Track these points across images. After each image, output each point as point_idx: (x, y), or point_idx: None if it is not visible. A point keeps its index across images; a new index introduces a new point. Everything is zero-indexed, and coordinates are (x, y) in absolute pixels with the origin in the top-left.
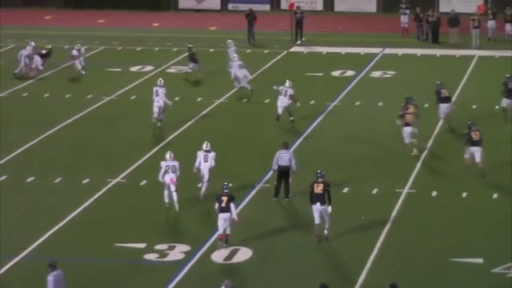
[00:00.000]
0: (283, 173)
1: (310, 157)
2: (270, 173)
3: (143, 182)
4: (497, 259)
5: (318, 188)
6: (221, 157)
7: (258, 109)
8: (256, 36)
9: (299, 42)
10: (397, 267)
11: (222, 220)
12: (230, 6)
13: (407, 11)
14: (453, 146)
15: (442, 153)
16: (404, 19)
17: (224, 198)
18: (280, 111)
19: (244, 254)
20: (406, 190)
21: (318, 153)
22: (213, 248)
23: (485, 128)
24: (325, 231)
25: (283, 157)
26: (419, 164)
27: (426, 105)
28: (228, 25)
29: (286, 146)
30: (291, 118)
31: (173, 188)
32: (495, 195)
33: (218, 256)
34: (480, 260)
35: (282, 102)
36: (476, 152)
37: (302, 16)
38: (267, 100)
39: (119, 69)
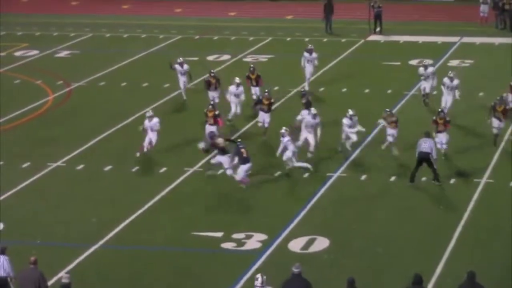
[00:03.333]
0: (422, 159)
1: (386, 147)
2: (347, 163)
3: (221, 171)
4: None
5: None
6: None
7: (334, 98)
8: (333, 25)
9: (378, 29)
10: (475, 258)
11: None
12: None
13: (488, 0)
14: None
15: None
16: (484, 8)
17: (244, 151)
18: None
19: (321, 243)
20: (484, 180)
21: (398, 142)
22: (290, 237)
23: None
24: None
25: (423, 145)
26: (497, 154)
27: (505, 94)
28: (305, 14)
29: (428, 135)
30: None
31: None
32: None
33: (295, 245)
34: None
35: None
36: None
37: (380, 10)
38: (344, 89)
39: (196, 58)
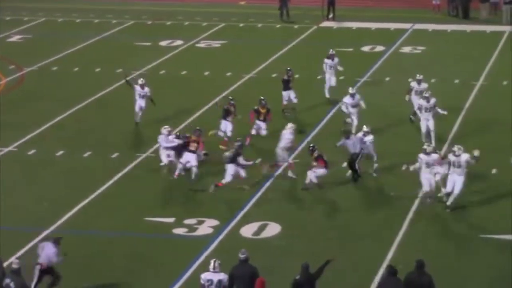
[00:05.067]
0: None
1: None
2: (299, 149)
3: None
4: None
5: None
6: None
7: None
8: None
9: (331, 16)
10: (426, 243)
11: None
12: None
13: None
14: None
15: (468, 131)
16: None
17: None
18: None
19: (272, 229)
20: None
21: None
22: (242, 223)
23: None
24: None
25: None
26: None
27: (457, 81)
28: (258, 0)
29: (348, 133)
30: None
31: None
32: None
33: (247, 231)
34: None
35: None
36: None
37: None
38: (296, 76)
39: (148, 44)
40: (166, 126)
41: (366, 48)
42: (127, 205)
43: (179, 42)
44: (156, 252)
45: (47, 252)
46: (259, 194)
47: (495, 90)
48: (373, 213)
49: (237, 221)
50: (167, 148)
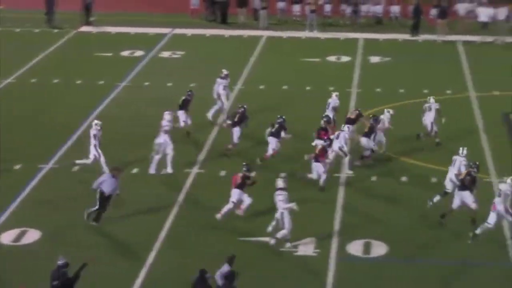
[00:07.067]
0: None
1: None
2: (60, 152)
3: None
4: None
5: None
6: (11, 138)
7: (46, 89)
8: (42, 15)
9: (91, 19)
10: (187, 246)
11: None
12: None
13: None
14: None
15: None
16: (195, 1)
17: None
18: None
19: (32, 235)
20: (195, 170)
21: (109, 134)
22: (1, 230)
23: (271, 109)
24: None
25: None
26: (209, 143)
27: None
28: (17, 4)
29: (117, 170)
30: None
31: None
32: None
33: (6, 237)
34: (270, 240)
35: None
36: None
37: (90, 1)
38: (56, 80)
39: None
40: None
41: (125, 53)
42: None
43: None
44: None
45: None
46: (18, 200)
47: (253, 95)
48: (140, 216)
49: None
50: None
